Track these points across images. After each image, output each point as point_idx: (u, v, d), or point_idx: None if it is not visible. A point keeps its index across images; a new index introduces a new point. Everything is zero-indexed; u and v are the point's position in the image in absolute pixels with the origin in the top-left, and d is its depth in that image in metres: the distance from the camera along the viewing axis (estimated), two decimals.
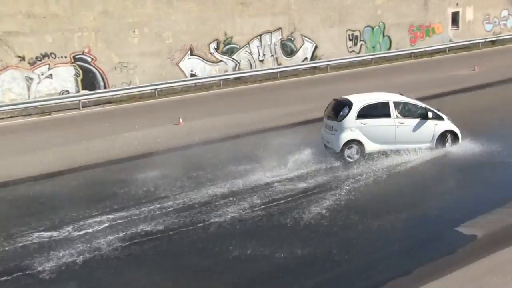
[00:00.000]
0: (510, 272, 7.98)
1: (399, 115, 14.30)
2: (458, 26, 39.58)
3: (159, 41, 28.02)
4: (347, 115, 14.17)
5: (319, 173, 13.33)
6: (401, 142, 14.32)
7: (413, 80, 26.83)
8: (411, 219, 10.52)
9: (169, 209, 11.58)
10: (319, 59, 33.43)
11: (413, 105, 14.63)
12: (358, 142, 14.13)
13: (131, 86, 27.18)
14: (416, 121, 14.35)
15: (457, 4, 39.21)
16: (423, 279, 8.17)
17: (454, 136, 14.62)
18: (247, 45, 30.83)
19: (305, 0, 32.59)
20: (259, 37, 31.18)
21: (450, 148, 14.46)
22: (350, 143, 14.10)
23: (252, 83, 29.79)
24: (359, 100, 14.47)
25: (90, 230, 10.74)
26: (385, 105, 14.33)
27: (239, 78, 30.28)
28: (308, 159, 14.25)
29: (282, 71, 31.42)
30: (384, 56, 35.60)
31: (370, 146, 14.23)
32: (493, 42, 39.93)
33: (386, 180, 12.60)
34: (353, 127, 14.10)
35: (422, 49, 36.90)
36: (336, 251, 9.36)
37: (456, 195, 11.65)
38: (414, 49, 36.80)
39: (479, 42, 39.16)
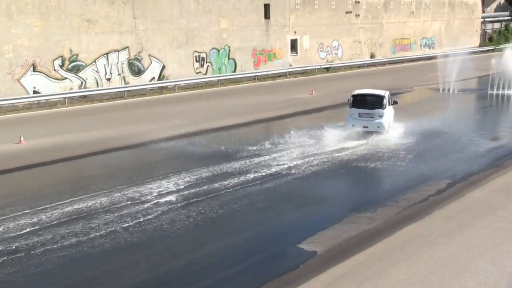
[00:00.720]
0: (345, 286, 8.78)
1: (390, 103, 19.81)
2: (296, 53, 42.43)
3: None
4: (387, 103, 19.20)
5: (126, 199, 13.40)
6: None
7: (258, 101, 28.16)
8: (259, 237, 11.04)
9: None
10: (167, 79, 33.58)
11: (390, 95, 19.99)
12: (389, 123, 19.40)
13: None
14: (391, 107, 19.84)
15: (295, 32, 42.05)
16: None
17: None
18: (94, 63, 29.93)
19: (152, 21, 32.60)
20: (106, 55, 30.45)
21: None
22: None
23: (99, 102, 28.93)
24: (384, 92, 19.64)
25: None
26: (386, 95, 19.52)
27: (85, 96, 29.22)
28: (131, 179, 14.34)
29: (129, 90, 30.99)
30: (230, 78, 36.85)
31: (390, 125, 19.42)
32: (327, 69, 43.44)
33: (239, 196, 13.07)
34: (389, 112, 19.30)
35: (265, 73, 38.88)
36: (182, 273, 9.49)
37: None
38: (257, 72, 38.63)
39: (315, 68, 42.35)
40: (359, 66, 46.38)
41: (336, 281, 8.88)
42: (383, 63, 48.77)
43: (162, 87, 33.09)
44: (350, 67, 45.55)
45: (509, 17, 69.41)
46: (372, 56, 49.70)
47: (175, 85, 33.23)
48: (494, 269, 9.19)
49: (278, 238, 11.05)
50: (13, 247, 10.38)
